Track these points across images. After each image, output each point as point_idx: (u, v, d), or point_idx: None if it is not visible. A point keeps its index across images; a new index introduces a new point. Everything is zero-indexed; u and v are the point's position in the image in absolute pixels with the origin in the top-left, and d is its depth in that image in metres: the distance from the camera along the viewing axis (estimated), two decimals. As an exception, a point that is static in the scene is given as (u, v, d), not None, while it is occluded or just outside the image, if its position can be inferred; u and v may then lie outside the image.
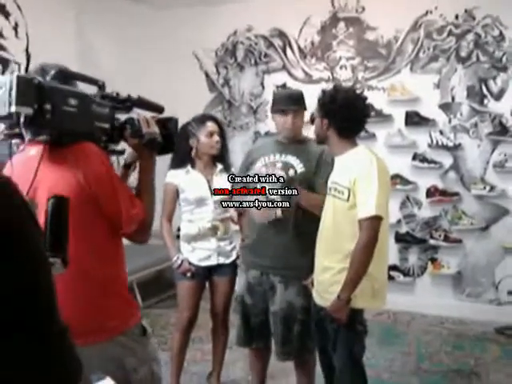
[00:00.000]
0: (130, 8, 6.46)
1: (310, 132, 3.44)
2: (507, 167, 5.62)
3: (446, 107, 5.84)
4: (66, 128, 1.96)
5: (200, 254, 3.88)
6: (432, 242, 5.92)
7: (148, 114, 2.31)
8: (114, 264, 2.24)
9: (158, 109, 2.37)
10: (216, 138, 3.86)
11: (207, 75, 6.90)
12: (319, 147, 3.40)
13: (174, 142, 2.41)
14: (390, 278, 5.90)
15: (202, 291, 4.01)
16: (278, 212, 3.43)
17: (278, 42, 6.52)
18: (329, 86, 5.84)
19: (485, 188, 5.69)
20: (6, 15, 5.27)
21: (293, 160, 3.50)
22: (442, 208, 5.90)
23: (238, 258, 3.94)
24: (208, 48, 6.79)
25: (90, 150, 2.07)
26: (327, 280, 3.12)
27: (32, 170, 1.94)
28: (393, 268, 5.98)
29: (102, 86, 2.18)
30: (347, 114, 3.08)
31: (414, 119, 5.88)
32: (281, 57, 6.52)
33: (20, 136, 1.91)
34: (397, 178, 5.89)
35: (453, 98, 5.81)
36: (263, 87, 6.61)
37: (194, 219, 3.87)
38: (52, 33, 5.56)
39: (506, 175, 5.65)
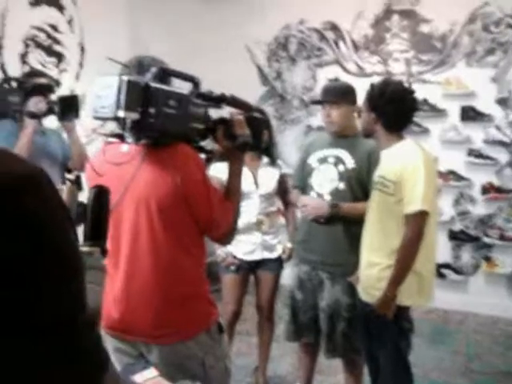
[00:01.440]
0: (184, 2, 6.48)
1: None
2: None
3: (502, 102, 5.68)
4: (166, 130, 1.96)
5: (244, 247, 3.87)
6: (486, 240, 5.77)
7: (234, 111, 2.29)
8: (200, 265, 2.26)
9: (248, 107, 2.34)
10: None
11: (259, 68, 6.87)
12: (369, 143, 3.35)
13: (261, 140, 2.39)
14: (442, 276, 5.82)
15: (247, 285, 4.01)
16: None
17: (330, 35, 6.45)
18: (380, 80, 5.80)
19: (542, 185, 5.53)
20: (61, 9, 5.36)
21: (344, 155, 3.47)
22: (497, 205, 5.75)
23: (283, 252, 3.90)
24: (260, 41, 6.75)
25: (188, 152, 2.08)
26: (373, 276, 3.08)
27: (124, 167, 1.98)
28: (445, 266, 5.86)
29: (197, 84, 2.14)
30: (395, 109, 3.04)
31: (470, 114, 5.74)
32: (333, 50, 6.44)
33: (119, 136, 1.92)
34: (450, 174, 5.78)
35: (510, 93, 5.65)
36: (315, 81, 6.55)
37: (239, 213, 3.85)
38: (105, 26, 5.63)
39: None
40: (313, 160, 3.59)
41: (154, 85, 1.89)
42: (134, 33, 6.08)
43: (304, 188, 3.62)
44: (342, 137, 3.52)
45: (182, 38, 6.42)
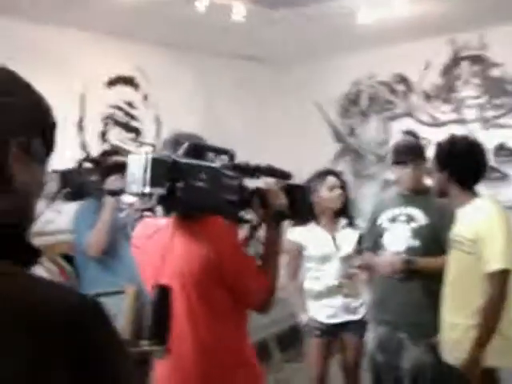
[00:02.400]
0: (252, 68, 6.65)
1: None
2: None
3: None
4: (196, 203, 2.01)
5: (327, 311, 3.86)
6: None
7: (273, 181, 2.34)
8: (239, 334, 2.28)
9: (286, 176, 2.38)
10: (337, 191, 3.86)
11: (331, 126, 6.92)
12: (441, 200, 3.32)
13: (300, 210, 2.42)
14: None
15: (331, 348, 3.97)
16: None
17: (400, 88, 6.45)
18: (455, 129, 5.74)
19: None
20: (136, 87, 5.60)
21: (416, 212, 3.45)
22: None
23: (366, 314, 3.88)
24: (331, 98, 6.82)
25: (220, 225, 2.13)
26: (455, 337, 3.04)
27: (160, 241, 2.06)
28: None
29: (232, 156, 2.20)
30: (466, 164, 3.02)
31: (549, 156, 5.59)
32: (404, 102, 6.44)
33: (151, 210, 2.01)
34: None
35: None
36: (389, 134, 6.54)
37: (320, 276, 3.86)
38: (180, 100, 5.84)
39: None
40: (383, 220, 3.59)
41: (181, 160, 1.95)
42: (207, 104, 6.26)
43: (375, 249, 3.60)
44: (413, 195, 3.52)
45: (254, 106, 6.58)
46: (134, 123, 5.64)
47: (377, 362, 3.61)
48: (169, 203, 1.93)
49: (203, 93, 6.22)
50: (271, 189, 2.26)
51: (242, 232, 2.30)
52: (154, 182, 1.83)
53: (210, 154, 2.19)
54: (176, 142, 2.17)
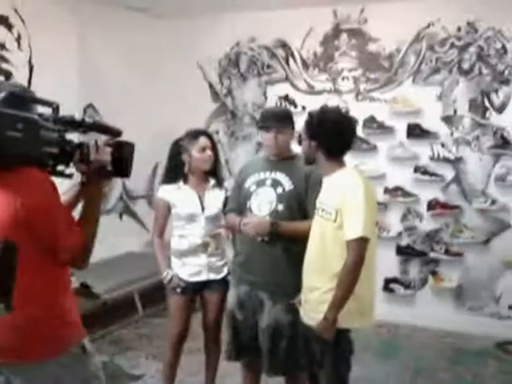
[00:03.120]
0: (132, 17, 6.49)
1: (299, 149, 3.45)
2: (509, 181, 5.59)
3: (448, 120, 5.82)
4: (9, 152, 1.96)
5: (190, 269, 3.89)
6: (433, 255, 5.89)
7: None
8: (55, 288, 2.26)
9: (115, 132, 2.38)
10: (208, 152, 3.86)
11: (211, 85, 6.91)
12: (307, 166, 3.40)
13: (126, 166, 2.40)
14: (391, 290, 5.93)
15: (193, 306, 4.02)
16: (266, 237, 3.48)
17: (280, 53, 6.52)
18: (330, 98, 5.90)
19: (486, 201, 5.66)
20: (9, 27, 5.32)
21: (282, 177, 3.53)
22: (443, 221, 5.88)
23: (229, 273, 3.94)
24: (211, 58, 6.80)
25: (32, 176, 2.09)
26: (315, 299, 3.14)
27: None
28: (393, 280, 5.98)
29: (55, 109, 2.18)
30: (334, 136, 3.10)
31: (416, 131, 5.85)
32: (283, 68, 6.51)
33: None
34: (398, 191, 5.90)
35: (455, 111, 5.79)
36: (266, 98, 6.62)
37: (185, 234, 3.88)
38: (54, 44, 5.61)
39: (507, 189, 5.63)
40: (250, 184, 3.64)
41: None
42: (83, 48, 6.06)
43: (241, 211, 3.66)
44: (279, 160, 3.60)
45: (132, 54, 6.45)
46: (4, 65, 5.35)
47: (236, 320, 3.68)
48: None
49: (80, 38, 6.01)
50: (92, 144, 2.25)
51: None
52: None
53: (34, 106, 2.16)
54: None
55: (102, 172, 2.31)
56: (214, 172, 3.97)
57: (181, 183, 3.88)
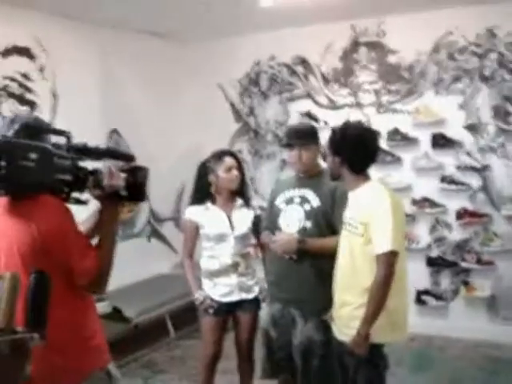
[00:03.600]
0: (153, 42, 6.58)
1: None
2: (537, 186, 5.54)
3: (471, 128, 5.78)
4: (23, 182, 2.00)
5: (222, 289, 3.89)
6: (464, 264, 5.82)
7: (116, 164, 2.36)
8: (76, 314, 2.28)
9: (128, 158, 2.43)
10: (234, 172, 3.89)
11: (232, 105, 6.96)
12: (335, 182, 3.41)
13: (140, 191, 2.43)
14: (423, 302, 5.87)
15: (226, 327, 4.02)
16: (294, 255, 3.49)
17: (300, 70, 6.56)
18: (351, 112, 5.89)
19: (515, 208, 5.62)
20: (32, 58, 5.40)
21: (309, 194, 3.55)
22: (472, 230, 5.82)
23: (260, 292, 3.95)
24: (232, 78, 6.86)
25: (47, 202, 2.13)
26: (346, 315, 3.13)
27: None
28: (425, 293, 5.92)
29: (69, 138, 2.23)
30: (357, 150, 3.12)
31: (440, 141, 5.83)
32: (304, 84, 6.54)
33: None
34: (425, 202, 5.87)
35: (478, 119, 5.75)
36: (288, 115, 6.64)
37: (215, 255, 3.89)
38: (77, 71, 5.69)
39: (536, 194, 5.56)
40: (279, 201, 3.66)
41: (8, 139, 1.98)
42: (106, 75, 6.13)
43: (273, 229, 3.67)
44: (307, 177, 3.61)
45: (155, 81, 6.53)
46: (29, 96, 5.43)
47: (270, 338, 3.69)
48: None
49: (102, 66, 6.09)
50: (106, 169, 2.28)
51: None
52: None
53: (47, 136, 2.21)
54: (11, 122, 2.14)
55: (115, 197, 2.34)
56: (240, 191, 3.99)
57: (208, 204, 3.90)
